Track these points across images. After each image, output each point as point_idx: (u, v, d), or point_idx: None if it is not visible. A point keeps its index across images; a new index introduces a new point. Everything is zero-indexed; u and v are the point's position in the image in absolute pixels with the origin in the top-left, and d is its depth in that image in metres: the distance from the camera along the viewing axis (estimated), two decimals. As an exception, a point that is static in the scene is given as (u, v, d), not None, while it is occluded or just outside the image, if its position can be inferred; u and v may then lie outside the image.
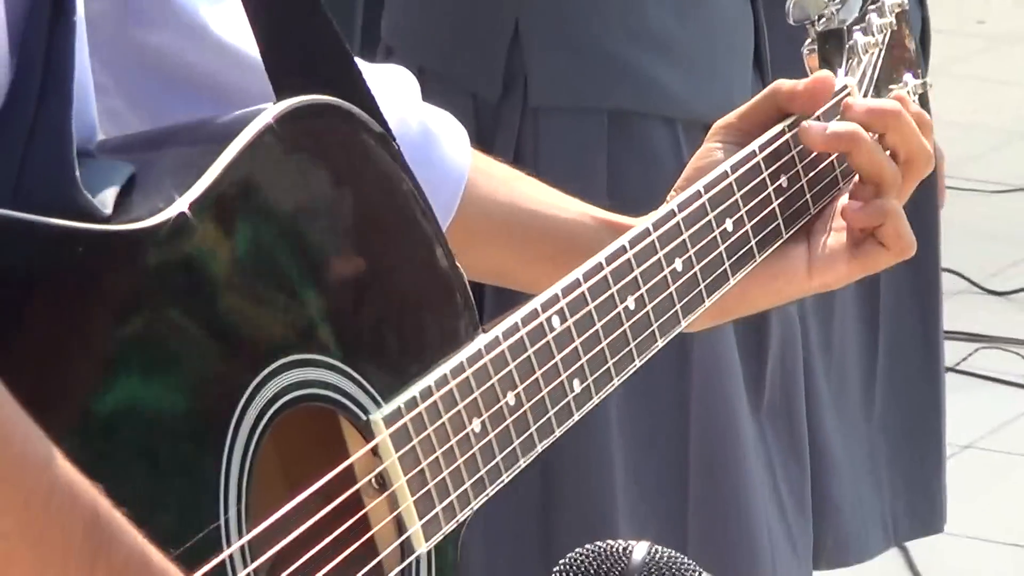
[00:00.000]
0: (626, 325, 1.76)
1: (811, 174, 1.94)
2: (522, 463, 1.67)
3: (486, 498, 1.63)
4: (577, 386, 1.71)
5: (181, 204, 1.40)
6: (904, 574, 4.86)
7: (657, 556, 1.46)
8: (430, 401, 1.56)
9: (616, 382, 1.75)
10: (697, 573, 1.46)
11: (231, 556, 1.37)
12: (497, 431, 1.62)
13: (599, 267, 1.73)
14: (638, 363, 1.78)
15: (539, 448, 1.67)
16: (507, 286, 2.09)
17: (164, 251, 1.40)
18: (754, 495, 3.12)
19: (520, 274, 2.00)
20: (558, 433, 1.69)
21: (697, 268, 1.84)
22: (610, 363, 1.75)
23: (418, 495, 1.54)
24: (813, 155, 1.95)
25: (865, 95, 2.00)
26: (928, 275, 3.58)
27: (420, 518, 1.55)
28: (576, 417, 1.71)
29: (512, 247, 2.01)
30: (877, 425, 3.56)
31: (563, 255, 1.90)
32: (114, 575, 1.23)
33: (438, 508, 1.58)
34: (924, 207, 3.22)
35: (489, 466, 1.62)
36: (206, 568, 1.30)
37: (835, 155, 1.94)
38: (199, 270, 1.45)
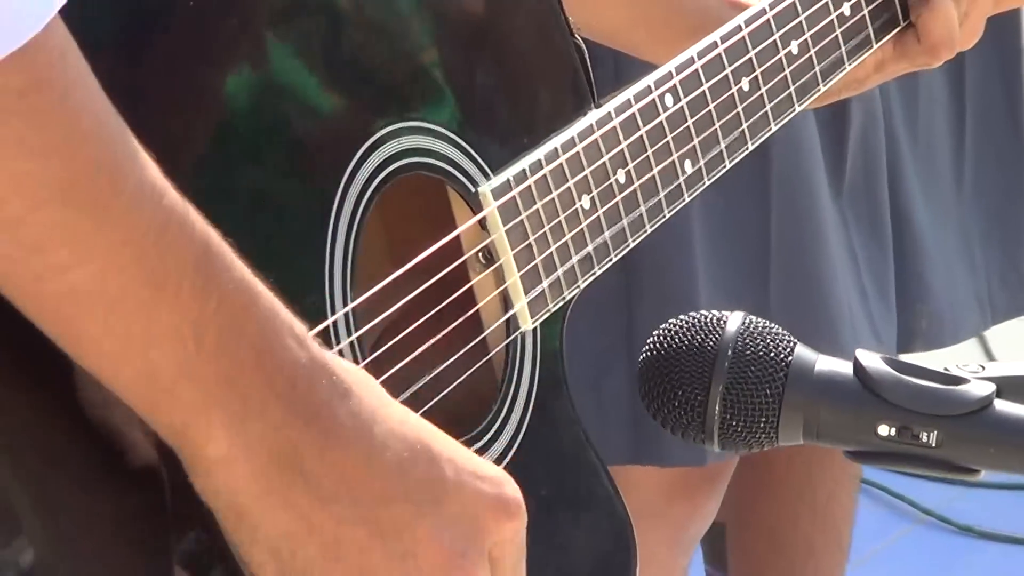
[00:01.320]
0: (740, 107, 1.77)
1: None
2: (631, 242, 1.69)
3: (593, 277, 1.65)
4: (689, 167, 1.72)
5: None
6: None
7: (751, 326, 1.45)
8: (539, 175, 1.57)
9: (728, 165, 1.77)
10: (791, 342, 1.45)
11: (335, 323, 1.42)
12: (606, 208, 1.64)
13: (714, 45, 1.73)
14: (751, 146, 1.80)
15: (648, 229, 1.69)
16: (628, 51, 2.10)
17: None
18: (835, 280, 3.13)
19: (643, 44, 2.02)
20: (668, 215, 1.72)
21: (813, 52, 1.87)
22: (722, 145, 1.76)
23: (525, 270, 1.57)
24: None
25: None
26: (1012, 48, 3.56)
27: (526, 294, 1.57)
28: (687, 199, 1.73)
29: (635, 9, 2.04)
30: (969, 202, 3.41)
31: (689, 28, 1.92)
32: (224, 305, 1.29)
33: (544, 284, 1.60)
34: None
35: (596, 243, 1.64)
36: (311, 333, 1.32)
37: None
38: (309, 23, 1.50)
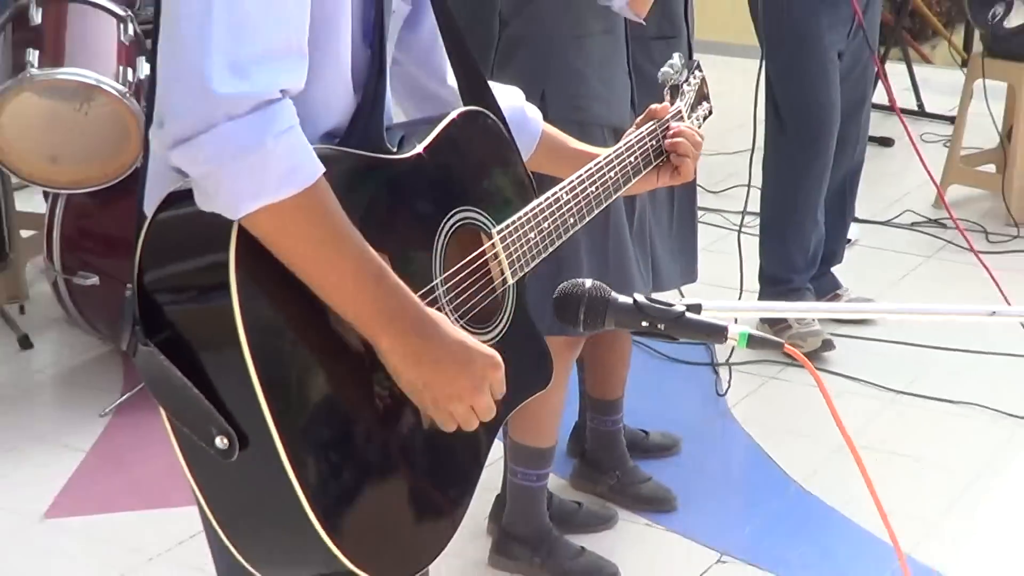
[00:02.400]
0: (592, 200, 2.62)
1: (657, 144, 2.78)
2: (550, 250, 2.54)
3: (536, 263, 2.51)
4: (572, 224, 2.59)
5: (419, 148, 2.36)
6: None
7: (595, 284, 2.31)
8: (512, 226, 2.45)
9: (580, 224, 2.60)
10: (608, 291, 2.32)
11: (435, 287, 2.30)
12: (539, 239, 2.50)
13: (588, 171, 2.64)
14: (594, 213, 2.64)
15: (554, 247, 2.55)
16: (545, 172, 2.75)
17: (413, 163, 2.34)
18: (630, 260, 4.29)
19: (556, 172, 2.71)
20: (560, 242, 2.56)
21: (620, 177, 2.71)
22: (581, 213, 2.59)
23: (510, 259, 2.44)
24: (662, 135, 2.79)
25: (688, 114, 2.91)
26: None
27: (510, 269, 2.44)
28: (573, 231, 2.58)
29: (553, 160, 2.79)
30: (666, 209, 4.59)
31: (574, 167, 2.66)
32: (382, 286, 2.12)
33: (517, 266, 2.46)
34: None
35: (536, 251, 2.49)
36: (418, 294, 2.21)
37: (670, 137, 2.79)
38: (429, 172, 2.36)
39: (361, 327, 2.11)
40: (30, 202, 6.04)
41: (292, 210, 1.99)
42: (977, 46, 7.63)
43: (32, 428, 5.34)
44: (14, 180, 5.65)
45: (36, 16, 5.33)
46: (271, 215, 1.98)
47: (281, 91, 1.99)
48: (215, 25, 1.96)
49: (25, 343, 5.96)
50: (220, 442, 2.00)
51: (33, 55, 5.17)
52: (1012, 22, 7.32)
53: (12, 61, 5.26)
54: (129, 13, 5.54)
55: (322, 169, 2.02)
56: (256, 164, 1.95)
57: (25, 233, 6.17)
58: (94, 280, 5.48)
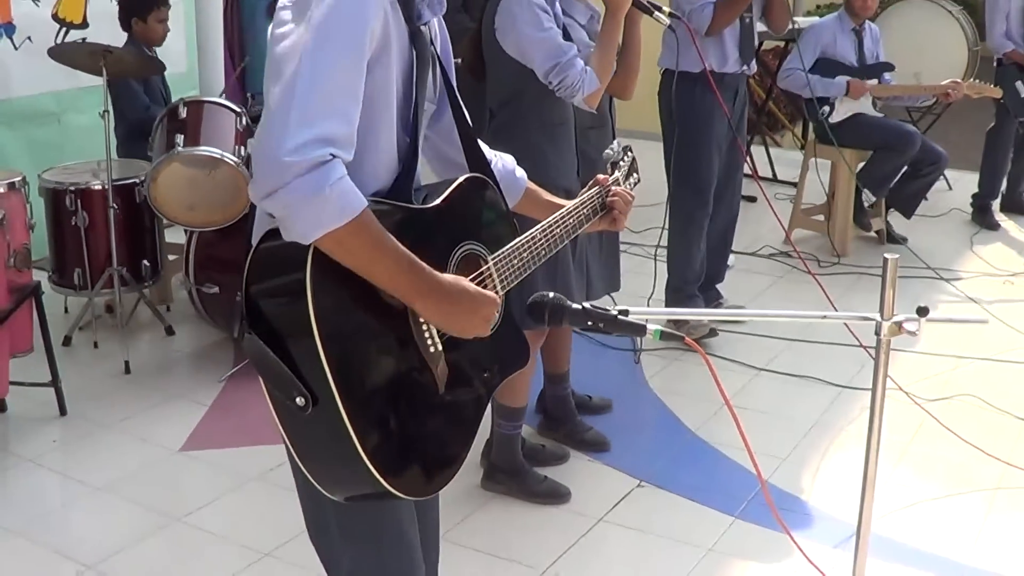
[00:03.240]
0: (556, 239, 2.56)
1: (602, 201, 2.75)
2: (525, 274, 2.46)
3: (516, 283, 2.43)
4: (543, 253, 2.52)
5: (438, 202, 2.34)
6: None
7: (552, 295, 2.33)
8: (502, 257, 2.40)
9: (549, 255, 2.53)
10: (564, 298, 2.33)
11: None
12: (517, 265, 2.44)
13: (556, 218, 2.59)
14: (555, 250, 2.56)
15: (529, 271, 2.47)
16: (530, 216, 2.66)
17: (433, 212, 2.32)
18: (571, 278, 4.20)
19: (534, 215, 2.66)
20: (533, 268, 2.49)
21: (577, 223, 2.66)
22: (558, 241, 2.56)
23: (501, 277, 2.39)
24: (605, 195, 2.75)
25: (623, 182, 2.86)
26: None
27: (500, 283, 2.39)
28: (543, 261, 2.51)
29: (532, 206, 2.72)
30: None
31: (546, 214, 2.62)
32: (414, 269, 2.12)
33: (506, 281, 2.40)
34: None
35: (517, 272, 2.44)
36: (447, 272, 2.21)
37: (611, 197, 2.75)
38: (444, 218, 2.33)
39: (403, 298, 2.14)
40: (175, 235, 6.06)
41: (348, 232, 2.02)
42: (811, 135, 7.62)
43: (173, 389, 5.38)
44: (164, 221, 5.69)
45: (183, 112, 5.64)
46: (332, 238, 2.01)
47: (332, 155, 2.03)
48: (290, 119, 2.02)
49: (170, 331, 6.03)
50: (300, 401, 2.03)
51: (179, 138, 5.45)
52: (835, 119, 7.36)
53: (166, 142, 5.51)
54: (243, 109, 5.82)
55: (366, 203, 2.06)
56: (318, 205, 1.99)
57: (171, 257, 6.25)
58: (215, 290, 5.56)
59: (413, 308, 2.16)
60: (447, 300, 2.17)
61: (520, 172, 2.71)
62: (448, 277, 2.19)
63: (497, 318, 2.32)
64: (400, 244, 2.10)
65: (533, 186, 2.73)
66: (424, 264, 2.13)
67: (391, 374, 2.15)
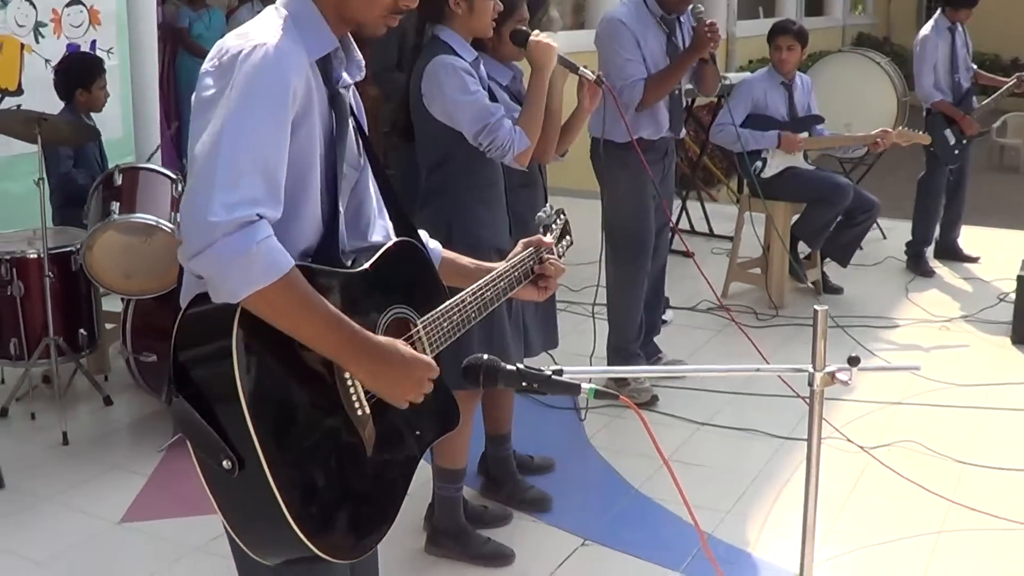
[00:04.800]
0: (486, 304, 2.56)
1: (530, 266, 2.74)
2: (454, 337, 2.47)
3: (446, 345, 2.45)
4: (473, 317, 2.53)
5: (367, 265, 2.33)
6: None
7: (487, 357, 2.29)
8: (431, 320, 2.41)
9: (477, 319, 2.53)
10: (498, 360, 2.29)
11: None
12: (447, 327, 2.44)
13: (486, 282, 2.59)
14: (483, 315, 2.56)
15: (459, 333, 2.48)
16: (455, 286, 2.61)
17: (361, 275, 2.32)
18: (509, 339, 4.16)
19: (459, 285, 2.61)
20: (461, 332, 2.49)
21: (507, 287, 2.67)
22: (487, 305, 2.56)
23: (430, 340, 2.39)
24: (537, 260, 2.74)
25: (556, 245, 2.85)
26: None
27: (429, 346, 2.39)
28: (472, 324, 2.52)
29: (454, 275, 2.68)
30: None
31: (471, 280, 2.60)
32: (342, 328, 2.11)
33: (434, 344, 2.41)
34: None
35: (444, 335, 2.44)
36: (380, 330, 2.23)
37: (541, 263, 2.74)
38: (373, 281, 2.33)
39: (335, 357, 2.13)
40: (112, 304, 6.00)
41: (276, 291, 2.02)
42: (746, 189, 7.68)
43: (111, 460, 5.29)
44: (101, 290, 5.64)
45: (118, 179, 5.59)
46: (261, 296, 2.01)
47: (258, 215, 2.04)
48: (216, 180, 2.02)
49: (108, 401, 5.92)
50: (226, 464, 2.03)
51: (115, 205, 5.42)
52: (768, 173, 7.45)
53: (101, 209, 5.47)
54: (178, 176, 5.77)
55: (292, 262, 2.06)
56: (246, 264, 1.99)
57: (108, 325, 6.16)
58: (153, 358, 5.51)
59: (345, 368, 2.15)
60: (380, 360, 2.15)
61: (434, 244, 2.70)
62: (381, 338, 2.19)
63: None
64: (329, 304, 2.10)
65: (450, 255, 2.72)
66: (355, 324, 2.13)
67: (318, 437, 2.13)
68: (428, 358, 2.25)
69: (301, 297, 2.06)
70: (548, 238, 2.81)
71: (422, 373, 2.22)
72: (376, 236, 2.52)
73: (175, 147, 8.40)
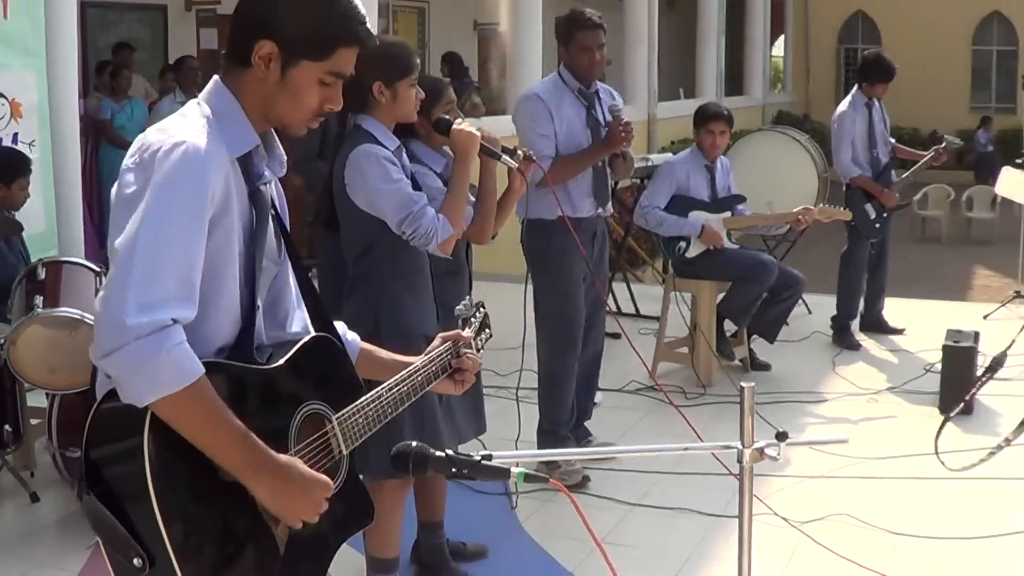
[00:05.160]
0: (403, 393, 2.59)
1: (448, 360, 2.77)
2: (369, 433, 2.48)
3: (360, 442, 2.45)
4: (386, 416, 2.54)
5: (282, 361, 2.34)
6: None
7: (416, 445, 2.30)
8: (346, 416, 2.42)
9: (394, 413, 2.56)
10: (429, 448, 2.30)
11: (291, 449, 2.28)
12: (362, 422, 2.44)
13: (402, 376, 2.61)
14: (408, 403, 2.60)
15: (373, 430, 2.48)
16: (372, 378, 2.64)
17: (275, 371, 2.32)
18: (440, 423, 4.20)
19: (377, 377, 2.64)
20: (384, 421, 2.52)
21: (424, 381, 2.68)
22: (404, 399, 2.59)
23: (343, 436, 2.40)
24: (455, 353, 2.76)
25: (475, 338, 2.89)
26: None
27: (343, 443, 2.40)
28: (389, 418, 2.54)
29: (372, 368, 2.71)
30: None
31: (389, 373, 2.63)
32: (247, 444, 2.12)
33: (348, 442, 2.41)
34: None
35: (360, 431, 2.44)
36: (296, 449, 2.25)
37: (458, 358, 2.77)
38: (288, 377, 2.34)
39: (235, 472, 2.13)
40: (37, 399, 5.91)
41: (183, 398, 2.03)
42: (671, 270, 7.73)
43: (39, 558, 5.21)
44: (26, 385, 5.55)
45: (41, 273, 5.56)
46: (167, 402, 2.02)
47: (173, 319, 2.05)
48: (132, 280, 2.04)
49: (34, 498, 5.83)
50: (137, 562, 2.04)
51: (39, 299, 5.38)
52: (691, 254, 7.54)
53: (25, 304, 5.44)
54: (103, 269, 5.70)
55: (202, 370, 2.07)
56: (154, 369, 2.01)
57: (34, 421, 6.05)
58: (79, 453, 5.31)
59: (245, 484, 2.16)
60: (279, 478, 2.17)
61: (352, 335, 2.70)
62: (282, 457, 2.19)
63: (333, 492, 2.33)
64: (236, 418, 2.11)
65: (368, 347, 2.73)
66: (258, 440, 2.14)
67: (229, 535, 2.14)
68: (326, 478, 2.26)
69: (207, 408, 2.08)
70: (467, 332, 2.84)
71: (320, 493, 2.23)
72: (295, 327, 2.54)
73: (98, 239, 8.34)
